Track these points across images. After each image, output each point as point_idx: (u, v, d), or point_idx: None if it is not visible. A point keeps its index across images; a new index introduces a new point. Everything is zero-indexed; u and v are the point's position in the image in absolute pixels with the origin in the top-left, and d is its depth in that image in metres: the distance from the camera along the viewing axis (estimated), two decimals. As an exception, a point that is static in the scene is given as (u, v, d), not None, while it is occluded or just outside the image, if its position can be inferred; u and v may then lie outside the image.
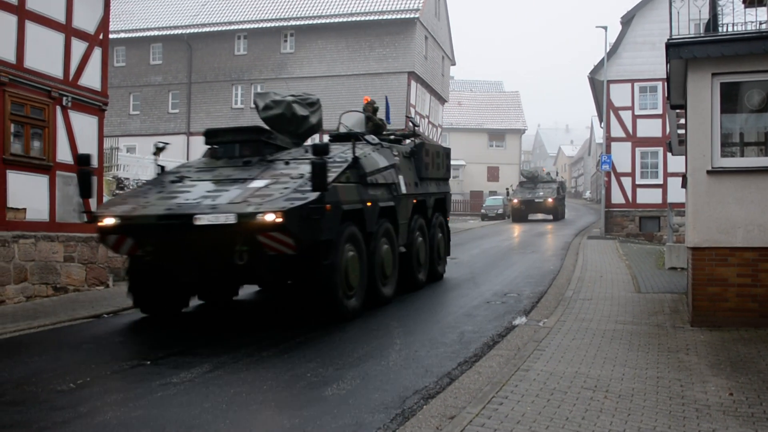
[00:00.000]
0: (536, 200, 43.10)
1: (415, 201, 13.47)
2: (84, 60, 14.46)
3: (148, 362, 8.18)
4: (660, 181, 31.37)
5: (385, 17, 34.19)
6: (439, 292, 13.72)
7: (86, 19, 14.53)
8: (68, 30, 14.02)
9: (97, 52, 14.88)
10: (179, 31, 37.64)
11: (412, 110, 34.87)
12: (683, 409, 6.06)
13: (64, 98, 13.79)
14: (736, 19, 10.87)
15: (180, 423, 5.89)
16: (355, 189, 10.72)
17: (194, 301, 12.15)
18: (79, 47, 14.34)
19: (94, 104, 14.79)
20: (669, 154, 24.64)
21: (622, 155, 31.67)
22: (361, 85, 33.96)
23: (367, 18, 34.46)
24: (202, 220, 9.14)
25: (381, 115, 14.91)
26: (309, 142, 12.74)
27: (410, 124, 14.64)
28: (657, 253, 21.40)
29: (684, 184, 12.12)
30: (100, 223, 9.88)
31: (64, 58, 13.97)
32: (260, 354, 8.36)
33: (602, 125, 33.49)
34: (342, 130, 13.36)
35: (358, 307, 10.64)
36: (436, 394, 6.75)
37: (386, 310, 11.48)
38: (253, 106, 36.32)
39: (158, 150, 11.58)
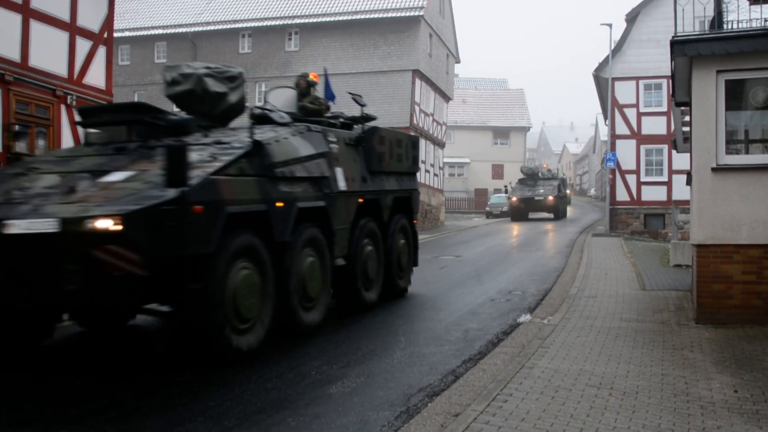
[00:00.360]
0: (536, 198, 41.21)
1: (361, 200, 10.87)
2: (88, 59, 14.48)
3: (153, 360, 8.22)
4: (665, 179, 31.34)
5: (389, 15, 34.13)
6: (443, 289, 13.71)
7: (91, 18, 14.55)
8: (73, 29, 14.04)
9: (101, 51, 14.89)
10: (184, 30, 37.64)
11: (417, 108, 34.85)
12: (688, 406, 6.06)
13: (69, 97, 13.81)
14: (741, 16, 10.85)
15: (183, 422, 5.91)
16: (254, 184, 8.08)
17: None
18: (83, 46, 14.36)
19: (99, 103, 14.81)
20: (674, 152, 24.60)
21: (626, 153, 31.63)
22: (366, 83, 33.91)
23: (371, 16, 34.42)
24: (14, 227, 6.80)
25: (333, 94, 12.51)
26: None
27: (356, 101, 11.54)
28: (662, 251, 21.37)
29: (689, 182, 12.13)
30: None
31: (69, 56, 13.98)
32: (265, 352, 8.37)
33: (607, 123, 33.46)
34: (269, 109, 10.46)
35: (256, 343, 8.01)
36: (440, 391, 6.76)
37: (389, 308, 11.49)
38: (262, 102, 36.41)
39: (13, 135, 9.21)
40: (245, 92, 10.37)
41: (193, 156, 7.46)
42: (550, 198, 41.02)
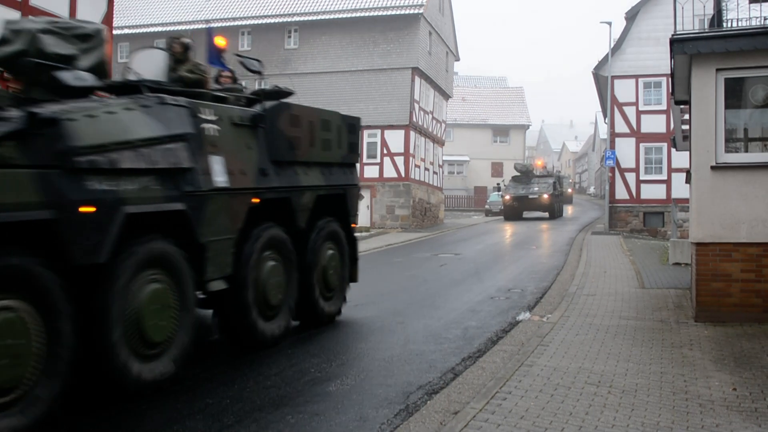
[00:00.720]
0: (530, 196, 39.45)
1: (256, 200, 8.15)
2: (88, 56, 14.48)
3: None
4: (664, 177, 31.35)
5: (389, 13, 34.10)
6: (442, 287, 13.72)
7: (90, 15, 14.55)
8: (72, 26, 14.05)
9: (101, 48, 14.90)
10: (183, 27, 37.60)
11: (416, 106, 34.84)
12: (687, 404, 6.06)
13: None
14: (741, 14, 10.85)
15: (182, 420, 5.91)
16: (26, 179, 5.34)
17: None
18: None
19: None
20: (673, 150, 24.63)
21: (626, 151, 31.65)
22: (365, 80, 33.90)
23: (371, 14, 34.38)
24: None
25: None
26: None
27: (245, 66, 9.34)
28: (661, 249, 21.38)
29: (688, 180, 12.13)
30: None
31: (68, 54, 13.98)
32: (263, 350, 8.37)
33: (606, 121, 33.45)
34: (132, 78, 8.04)
35: (30, 423, 5.23)
36: (440, 389, 6.76)
37: (388, 304, 11.49)
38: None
39: None
40: (105, 56, 7.81)
41: None
42: (545, 196, 39.30)
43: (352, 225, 10.63)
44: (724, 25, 10.83)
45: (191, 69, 8.55)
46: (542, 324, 9.68)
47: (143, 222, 6.46)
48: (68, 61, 7.22)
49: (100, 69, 7.61)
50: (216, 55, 9.79)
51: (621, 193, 32.11)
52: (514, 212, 39.84)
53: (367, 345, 8.71)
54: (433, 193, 38.77)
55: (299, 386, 6.86)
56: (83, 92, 7.11)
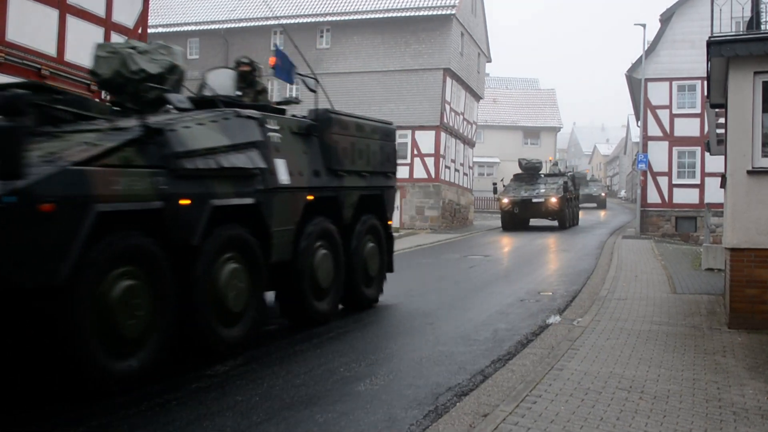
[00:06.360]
0: (534, 200, 32.28)
1: (311, 197, 9.43)
2: (123, 54, 14.61)
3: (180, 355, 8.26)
4: (697, 181, 31.00)
5: (421, 13, 34.11)
6: (472, 289, 13.68)
7: (125, 14, 14.71)
8: (108, 24, 14.20)
9: (135, 47, 15.04)
10: (216, 26, 37.90)
11: (447, 107, 34.78)
12: (720, 412, 5.98)
13: (104, 92, 13.95)
14: (780, 17, 10.70)
15: (211, 416, 5.94)
16: (145, 177, 6.75)
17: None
18: (118, 41, 14.51)
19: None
20: (706, 154, 24.35)
21: (658, 154, 31.33)
22: (397, 81, 33.93)
23: (403, 14, 34.40)
24: None
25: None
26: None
27: (305, 84, 10.40)
28: (693, 254, 21.14)
29: (723, 184, 11.98)
30: None
31: (104, 52, 14.12)
32: (293, 348, 8.40)
33: (639, 124, 33.14)
34: (207, 93, 9.46)
35: (142, 366, 6.71)
36: (469, 391, 6.74)
37: (417, 305, 11.47)
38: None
39: None
40: (183, 75, 9.36)
41: (61, 143, 6.45)
42: (553, 200, 32.01)
43: (388, 221, 11.91)
44: (763, 27, 10.69)
45: (253, 86, 9.97)
46: (573, 327, 9.61)
47: (223, 213, 7.75)
48: (156, 79, 8.79)
49: (166, 76, 8.93)
50: (289, 71, 10.85)
51: (653, 197, 31.80)
52: (514, 220, 32.77)
53: (397, 345, 8.71)
54: (463, 195, 38.69)
55: (328, 385, 6.87)
56: (156, 105, 8.66)
